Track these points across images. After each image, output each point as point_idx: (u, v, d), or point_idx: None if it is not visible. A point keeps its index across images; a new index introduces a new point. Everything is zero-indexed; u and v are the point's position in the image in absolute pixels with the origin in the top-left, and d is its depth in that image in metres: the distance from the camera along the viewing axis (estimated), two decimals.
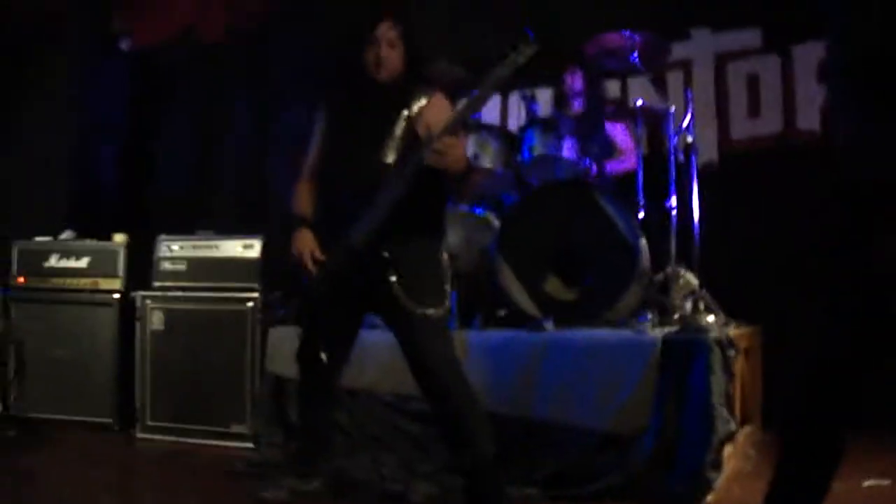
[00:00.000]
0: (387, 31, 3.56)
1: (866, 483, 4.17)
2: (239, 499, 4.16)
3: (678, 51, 6.08)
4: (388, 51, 3.54)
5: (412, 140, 3.46)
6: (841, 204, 2.32)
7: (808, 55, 5.92)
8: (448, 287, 3.56)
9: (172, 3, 7.34)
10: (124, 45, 7.41)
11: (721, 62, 6.24)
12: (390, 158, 3.46)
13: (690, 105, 5.44)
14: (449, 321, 3.66)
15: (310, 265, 3.52)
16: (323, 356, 3.60)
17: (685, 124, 5.30)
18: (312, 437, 3.91)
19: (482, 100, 3.41)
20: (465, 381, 3.50)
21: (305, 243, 3.57)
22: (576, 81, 5.66)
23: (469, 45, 6.31)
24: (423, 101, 3.55)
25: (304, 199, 3.75)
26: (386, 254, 3.39)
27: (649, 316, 4.70)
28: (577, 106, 5.64)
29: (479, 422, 3.50)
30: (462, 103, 3.33)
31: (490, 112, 6.39)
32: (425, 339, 3.48)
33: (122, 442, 5.57)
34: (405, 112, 3.53)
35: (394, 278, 3.40)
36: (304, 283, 3.59)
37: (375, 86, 3.59)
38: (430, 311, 3.45)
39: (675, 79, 6.33)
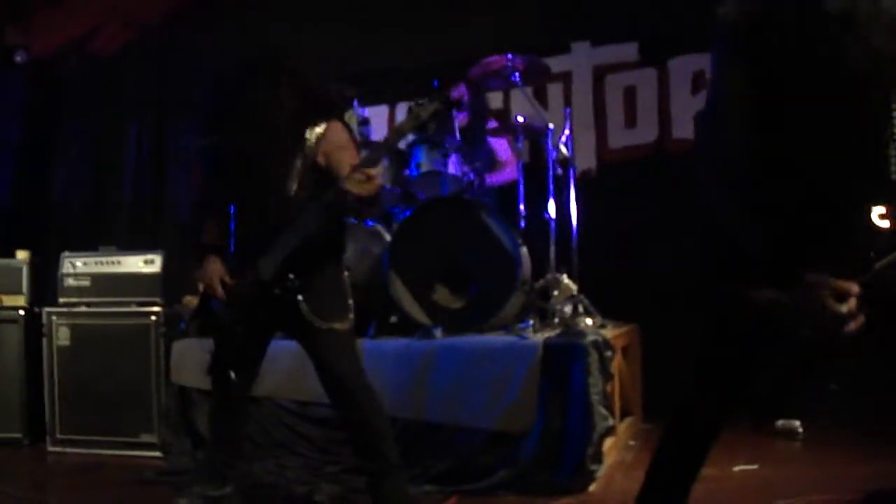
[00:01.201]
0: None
1: (737, 468, 4.51)
2: None
3: (559, 63, 6.36)
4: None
5: (312, 170, 3.61)
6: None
7: (683, 68, 6.24)
8: (351, 302, 3.73)
9: (68, 14, 7.30)
10: (19, 57, 7.37)
11: (599, 74, 6.52)
12: (291, 190, 3.58)
13: (568, 121, 5.73)
14: (353, 333, 3.80)
15: (218, 291, 3.62)
16: (232, 374, 3.70)
17: (563, 138, 5.58)
18: (225, 447, 3.96)
19: (388, 148, 3.62)
20: (370, 389, 3.69)
21: (214, 270, 3.65)
22: (461, 95, 5.87)
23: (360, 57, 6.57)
24: (319, 129, 3.65)
25: (210, 227, 3.84)
26: (292, 278, 3.53)
27: (531, 321, 4.98)
28: (461, 118, 5.78)
29: (384, 427, 3.70)
30: (373, 147, 3.49)
31: (378, 126, 6.56)
32: (332, 352, 3.65)
33: (32, 456, 5.67)
34: (303, 142, 3.63)
35: (300, 298, 3.54)
36: (213, 307, 3.70)
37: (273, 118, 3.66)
38: (336, 326, 3.62)
39: (555, 90, 6.60)
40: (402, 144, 5.05)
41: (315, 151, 3.62)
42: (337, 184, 3.42)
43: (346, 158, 3.59)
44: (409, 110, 3.51)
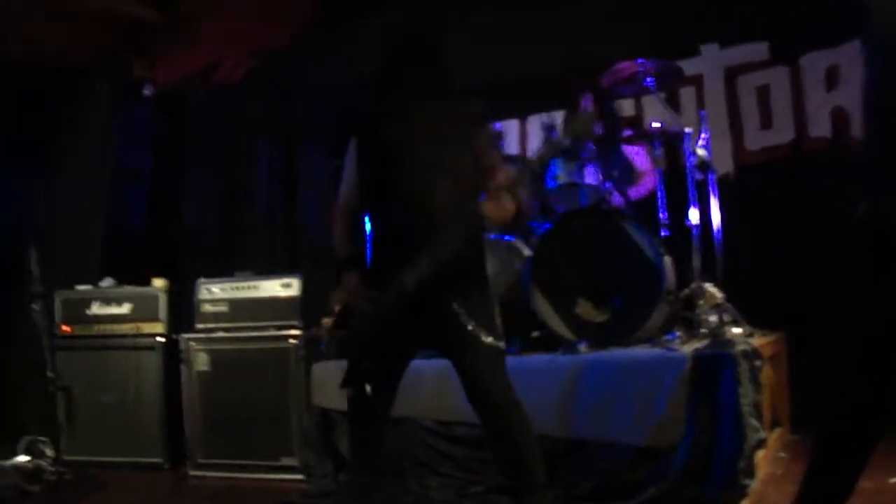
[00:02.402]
0: None
1: (893, 479, 4.26)
2: None
3: (689, 66, 6.17)
4: None
5: (462, 182, 3.46)
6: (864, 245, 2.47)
7: (815, 64, 6.02)
8: (499, 321, 3.60)
9: (191, 46, 7.44)
10: (147, 90, 7.53)
11: (731, 75, 6.35)
12: (437, 198, 3.44)
13: (704, 123, 5.57)
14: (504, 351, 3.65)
15: (360, 305, 3.51)
16: (367, 387, 3.65)
17: (700, 142, 5.41)
18: (365, 467, 3.83)
19: (542, 164, 3.48)
20: (520, 406, 3.53)
21: (354, 284, 3.57)
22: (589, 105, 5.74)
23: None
24: (467, 140, 3.52)
25: (346, 239, 3.75)
26: (446, 291, 3.41)
27: (677, 333, 4.84)
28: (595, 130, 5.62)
29: (532, 445, 3.55)
30: (520, 166, 3.37)
31: (510, 140, 6.49)
32: (485, 365, 3.50)
33: (173, 480, 5.76)
34: (450, 151, 3.51)
35: (456, 307, 3.42)
36: (353, 323, 3.58)
37: (414, 126, 3.56)
38: (494, 341, 3.49)
39: (687, 94, 6.44)
40: (531, 151, 4.95)
41: (459, 158, 3.50)
42: (475, 207, 3.32)
43: (497, 173, 3.49)
44: (563, 127, 3.38)
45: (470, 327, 3.44)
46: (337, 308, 3.71)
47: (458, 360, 3.58)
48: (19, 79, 7.05)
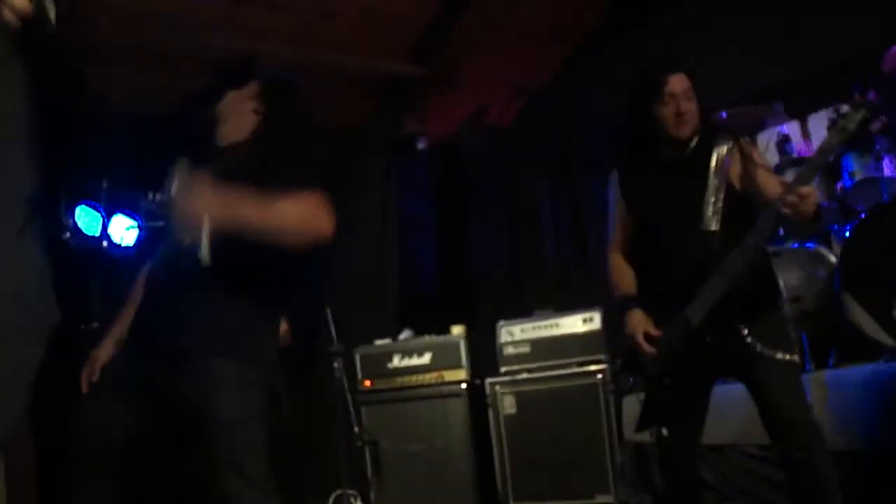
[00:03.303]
0: (681, 83, 3.45)
1: None
2: None
3: None
4: (688, 104, 3.42)
5: (731, 200, 3.37)
6: None
7: None
8: (794, 335, 3.46)
9: (459, 94, 7.57)
10: (421, 144, 7.71)
11: None
12: (714, 226, 3.35)
13: None
14: (802, 370, 3.53)
15: (644, 346, 3.42)
16: (663, 430, 3.52)
17: None
18: (681, 500, 3.75)
19: (817, 169, 3.30)
20: (817, 426, 3.34)
21: (638, 323, 3.47)
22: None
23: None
24: (724, 149, 3.43)
25: (623, 277, 3.67)
26: (730, 319, 3.29)
27: None
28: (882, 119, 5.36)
29: (829, 471, 3.30)
30: (802, 170, 3.24)
31: (795, 142, 6.20)
32: (776, 383, 3.33)
33: None
34: (713, 168, 3.40)
35: (743, 329, 3.29)
36: (642, 363, 3.51)
37: (674, 145, 3.48)
38: (780, 356, 3.32)
39: None
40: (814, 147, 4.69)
41: (727, 175, 3.39)
42: (770, 207, 3.18)
43: (772, 178, 3.37)
44: (834, 123, 3.17)
45: (759, 348, 3.30)
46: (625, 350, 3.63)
47: (751, 381, 3.42)
48: None
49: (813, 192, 3.13)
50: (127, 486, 2.85)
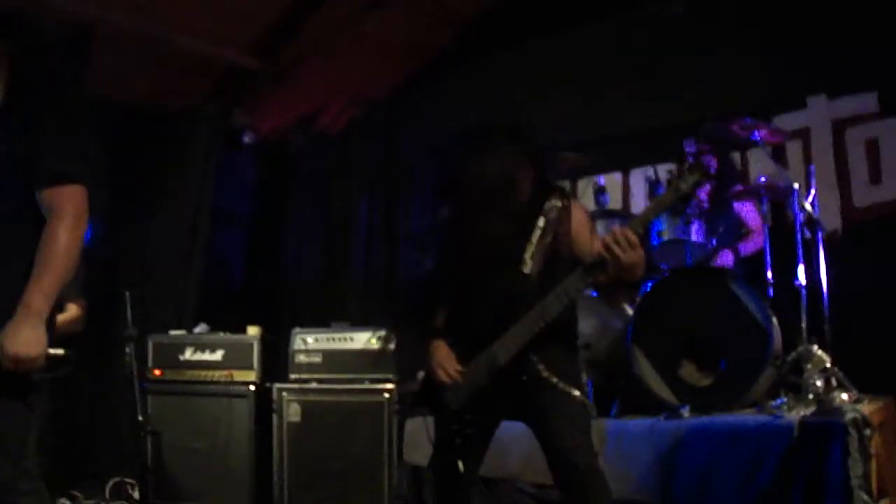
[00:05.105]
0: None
1: None
2: None
3: (795, 119, 6.01)
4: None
5: (550, 250, 3.42)
6: None
7: None
8: (585, 378, 3.52)
9: (293, 94, 7.50)
10: (247, 138, 7.59)
11: (839, 128, 6.05)
12: (528, 269, 3.39)
13: (813, 179, 5.38)
14: (589, 411, 3.51)
15: (446, 379, 3.43)
16: (460, 465, 3.50)
17: (809, 199, 5.22)
18: None
19: (646, 222, 3.34)
20: (600, 473, 3.33)
21: (442, 357, 3.48)
22: (707, 160, 5.55)
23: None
24: (557, 205, 3.47)
25: (435, 309, 3.68)
26: (531, 356, 3.32)
27: (784, 398, 4.62)
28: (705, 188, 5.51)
29: None
30: (630, 223, 3.28)
31: (613, 194, 6.36)
32: (570, 424, 3.33)
33: None
34: (541, 219, 3.45)
35: (541, 366, 3.32)
36: (440, 395, 3.50)
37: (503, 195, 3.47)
38: (571, 390, 3.34)
39: (794, 148, 6.16)
40: (635, 205, 4.81)
41: (553, 228, 3.44)
42: (594, 259, 3.20)
43: (595, 237, 3.40)
44: (669, 182, 3.27)
45: (555, 381, 3.33)
46: (420, 376, 3.63)
47: (541, 416, 3.40)
48: (117, 122, 7.13)
49: (637, 243, 3.14)
50: None
